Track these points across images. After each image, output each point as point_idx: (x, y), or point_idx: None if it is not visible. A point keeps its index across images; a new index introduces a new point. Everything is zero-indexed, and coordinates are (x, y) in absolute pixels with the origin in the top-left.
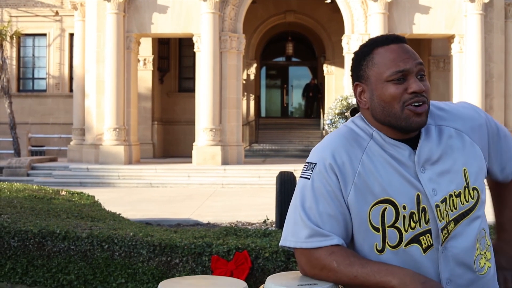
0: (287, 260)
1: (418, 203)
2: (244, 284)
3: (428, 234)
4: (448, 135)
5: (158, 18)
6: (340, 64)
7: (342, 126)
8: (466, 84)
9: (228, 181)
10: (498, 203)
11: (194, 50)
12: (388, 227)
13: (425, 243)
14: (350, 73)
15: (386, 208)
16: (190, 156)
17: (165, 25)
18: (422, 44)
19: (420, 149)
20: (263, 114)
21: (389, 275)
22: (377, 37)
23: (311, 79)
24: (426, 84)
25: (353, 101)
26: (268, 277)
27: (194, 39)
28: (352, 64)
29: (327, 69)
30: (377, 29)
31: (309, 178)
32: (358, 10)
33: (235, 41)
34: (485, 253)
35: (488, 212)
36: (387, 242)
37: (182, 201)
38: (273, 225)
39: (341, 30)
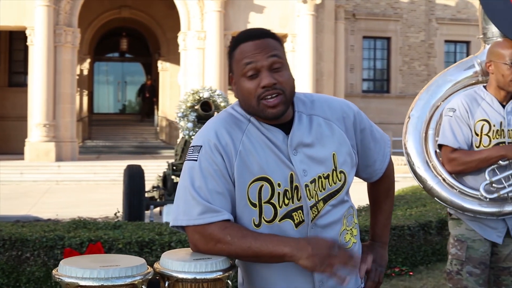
0: (140, 250)
1: (292, 182)
2: (143, 260)
3: (300, 211)
4: (317, 123)
5: None
6: (176, 61)
7: (222, 111)
8: (298, 82)
9: (63, 177)
10: (374, 208)
11: (27, 43)
12: (264, 203)
13: (297, 219)
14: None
15: (263, 185)
16: (22, 153)
17: None
18: None
19: (293, 134)
20: (96, 110)
21: (281, 244)
22: (241, 33)
23: (146, 80)
24: (282, 75)
25: (204, 94)
26: (162, 254)
27: (28, 32)
28: None
29: (162, 65)
30: (213, 27)
31: (196, 160)
32: (195, 8)
33: (70, 35)
34: (351, 229)
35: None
36: (263, 217)
37: (16, 198)
38: (120, 218)
39: (176, 27)
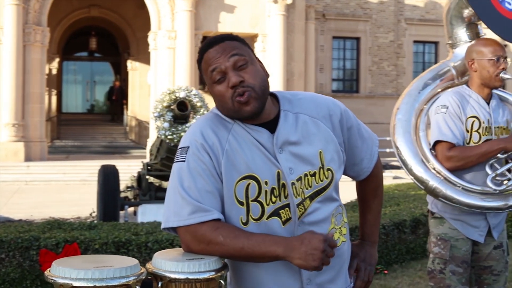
0: (117, 251)
1: (279, 179)
2: (136, 260)
3: (287, 208)
4: (303, 121)
5: None
6: (145, 60)
7: (207, 112)
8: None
9: (32, 178)
10: (362, 207)
11: None
12: (251, 201)
13: (284, 216)
14: None
15: (250, 183)
16: None
17: None
18: None
19: (278, 133)
20: (64, 109)
21: (274, 245)
22: (203, 44)
23: (114, 81)
24: (247, 72)
25: (180, 94)
26: (155, 254)
27: None
28: None
29: (131, 65)
30: (183, 26)
31: (184, 161)
32: (165, 7)
33: (40, 34)
34: (340, 228)
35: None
36: (251, 215)
37: None
38: (95, 218)
39: (146, 26)
